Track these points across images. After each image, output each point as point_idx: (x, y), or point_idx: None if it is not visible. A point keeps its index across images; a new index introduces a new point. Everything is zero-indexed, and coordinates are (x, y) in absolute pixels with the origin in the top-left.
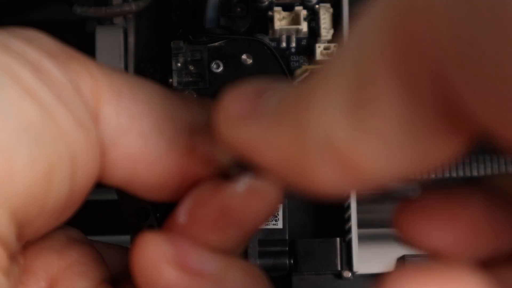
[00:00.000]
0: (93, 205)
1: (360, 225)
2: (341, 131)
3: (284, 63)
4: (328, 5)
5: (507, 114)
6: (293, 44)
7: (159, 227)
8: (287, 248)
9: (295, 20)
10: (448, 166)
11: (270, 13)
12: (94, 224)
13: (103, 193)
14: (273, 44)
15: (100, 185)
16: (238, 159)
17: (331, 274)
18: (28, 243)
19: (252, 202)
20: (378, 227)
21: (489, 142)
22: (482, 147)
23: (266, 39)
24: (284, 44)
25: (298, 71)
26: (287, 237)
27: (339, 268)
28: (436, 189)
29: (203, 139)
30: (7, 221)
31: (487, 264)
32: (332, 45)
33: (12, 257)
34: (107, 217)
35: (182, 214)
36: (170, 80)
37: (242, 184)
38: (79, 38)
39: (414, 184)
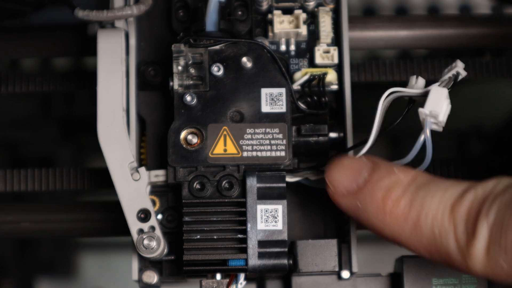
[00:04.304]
0: (94, 205)
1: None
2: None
3: (284, 66)
4: (327, 8)
5: None
6: (293, 47)
7: (160, 228)
8: (287, 249)
9: (295, 24)
10: None
11: (270, 16)
12: (96, 225)
13: (104, 194)
14: (273, 47)
15: (101, 186)
16: None
17: (330, 275)
18: None
19: None
20: None
21: None
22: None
23: (266, 42)
24: (283, 47)
25: (298, 74)
26: (286, 238)
27: (338, 269)
28: None
29: None
30: None
31: None
32: (331, 48)
33: None
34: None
35: None
36: (171, 83)
37: None
38: (80, 41)
39: None
